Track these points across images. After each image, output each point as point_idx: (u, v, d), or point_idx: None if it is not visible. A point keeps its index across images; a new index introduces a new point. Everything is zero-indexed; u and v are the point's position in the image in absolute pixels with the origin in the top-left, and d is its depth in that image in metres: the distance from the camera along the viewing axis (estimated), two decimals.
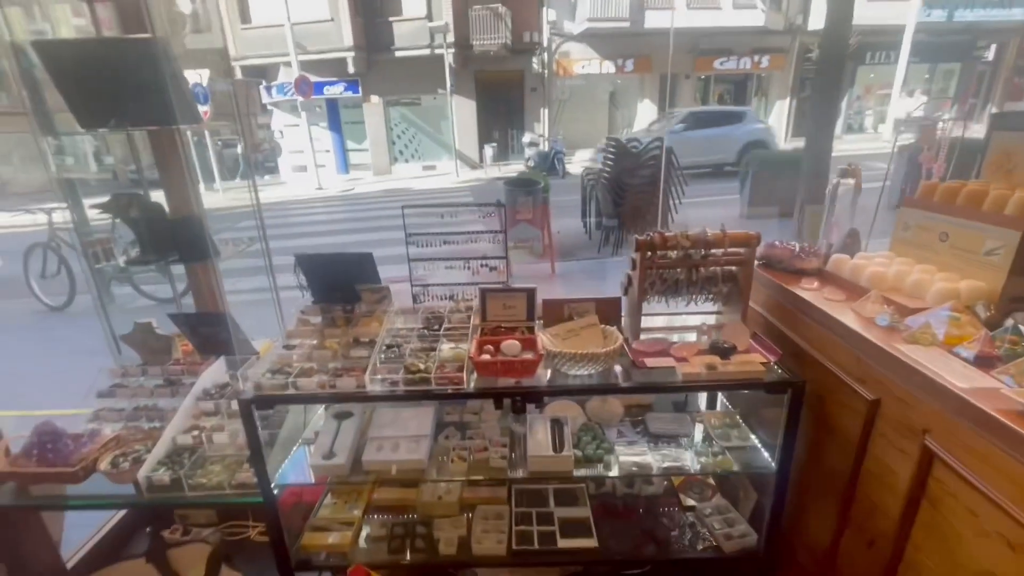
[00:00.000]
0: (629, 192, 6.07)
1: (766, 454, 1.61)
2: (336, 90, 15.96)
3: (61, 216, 5.11)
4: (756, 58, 17.10)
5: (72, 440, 1.73)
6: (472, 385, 1.46)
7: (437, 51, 14.94)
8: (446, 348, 1.57)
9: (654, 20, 15.68)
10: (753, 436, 1.70)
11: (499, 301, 1.72)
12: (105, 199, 2.05)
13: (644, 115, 17.62)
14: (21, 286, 5.37)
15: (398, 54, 15.71)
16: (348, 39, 14.94)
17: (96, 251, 2.03)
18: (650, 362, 1.51)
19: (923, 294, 1.38)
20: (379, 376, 1.46)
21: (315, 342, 1.65)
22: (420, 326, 1.72)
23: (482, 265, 1.81)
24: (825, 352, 1.45)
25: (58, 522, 2.02)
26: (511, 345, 1.53)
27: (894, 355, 1.16)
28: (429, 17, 15.13)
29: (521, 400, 1.45)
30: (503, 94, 16.83)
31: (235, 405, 1.78)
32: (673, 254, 1.62)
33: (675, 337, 1.68)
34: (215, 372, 1.98)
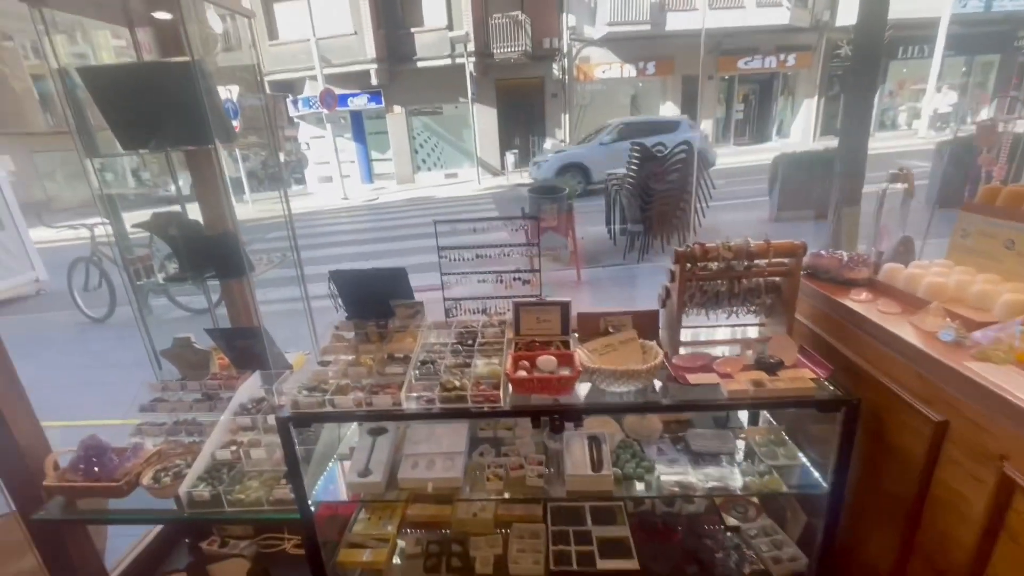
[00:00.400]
0: (655, 197, 5.98)
1: (816, 474, 1.54)
2: (360, 102, 16.27)
3: (102, 230, 5.30)
4: (782, 56, 16.76)
5: (116, 454, 1.77)
6: (508, 403, 1.43)
7: (458, 60, 15.09)
8: (481, 364, 1.55)
9: (676, 22, 15.52)
10: (801, 454, 1.62)
11: (533, 315, 1.70)
12: (143, 213, 2.11)
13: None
14: (65, 298, 5.59)
15: (420, 64, 15.92)
16: (371, 51, 15.22)
17: (137, 268, 2.07)
18: (693, 378, 1.45)
19: (989, 306, 1.29)
20: (415, 394, 1.44)
21: (350, 358, 1.64)
22: (454, 341, 1.71)
23: (515, 278, 1.78)
24: (881, 368, 1.38)
25: (102, 533, 2.07)
26: (547, 361, 1.49)
27: (964, 374, 1.09)
28: (450, 27, 15.30)
29: (559, 419, 1.41)
30: (524, 101, 16.87)
31: (271, 420, 1.80)
32: (714, 266, 1.56)
33: (717, 351, 1.62)
34: (251, 387, 2.00)
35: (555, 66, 16.26)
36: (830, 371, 1.41)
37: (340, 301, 1.78)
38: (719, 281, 1.57)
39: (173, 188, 2.39)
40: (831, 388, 1.38)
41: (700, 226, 6.15)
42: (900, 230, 1.70)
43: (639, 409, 1.41)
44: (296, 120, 16.90)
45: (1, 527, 1.90)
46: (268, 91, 15.84)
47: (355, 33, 15.26)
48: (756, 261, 1.55)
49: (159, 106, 1.77)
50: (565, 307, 1.68)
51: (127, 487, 1.67)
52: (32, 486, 1.72)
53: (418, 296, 1.86)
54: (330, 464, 1.77)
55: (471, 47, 14.85)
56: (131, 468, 1.72)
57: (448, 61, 15.54)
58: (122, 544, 2.16)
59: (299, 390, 1.46)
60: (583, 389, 1.48)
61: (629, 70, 16.57)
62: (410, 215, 11.56)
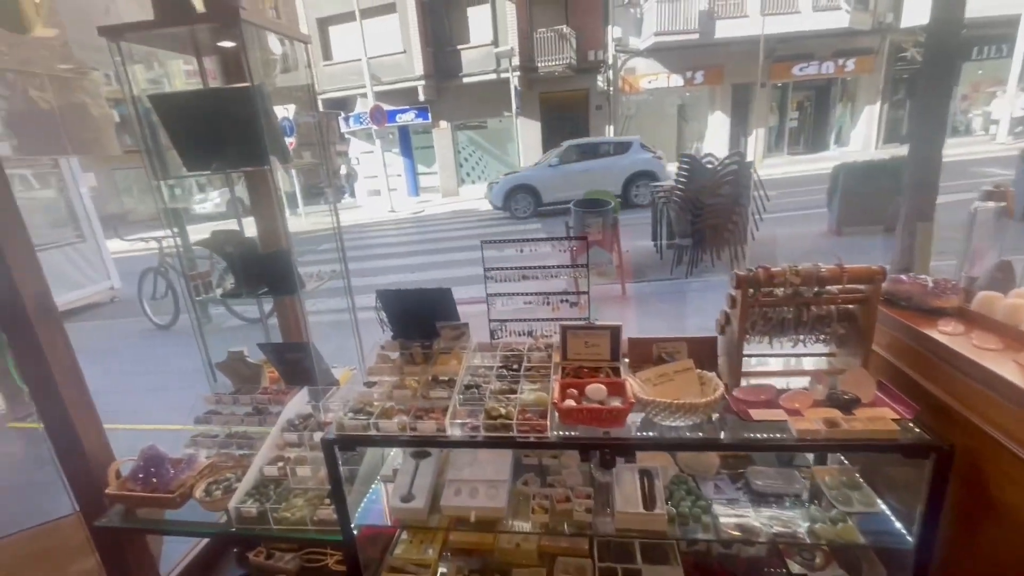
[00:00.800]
0: (705, 210, 5.77)
1: (899, 525, 1.38)
2: (407, 117, 16.76)
3: (170, 242, 5.64)
4: (840, 62, 16.00)
5: (172, 465, 1.82)
6: (555, 433, 1.36)
7: (503, 75, 15.30)
8: (527, 390, 1.50)
9: (726, 30, 15.14)
10: (880, 501, 1.46)
11: (581, 339, 1.63)
12: (210, 226, 2.20)
13: (716, 127, 16.97)
14: (136, 305, 5.97)
15: (465, 80, 16.25)
16: (419, 69, 15.69)
17: (197, 284, 2.16)
18: (756, 414, 1.34)
19: None
20: (459, 420, 1.41)
21: (395, 379, 1.63)
22: (499, 364, 1.66)
23: (562, 300, 1.72)
24: (978, 410, 1.22)
25: (158, 539, 2.14)
26: (597, 390, 1.42)
27: None
28: (495, 43, 15.56)
29: (610, 454, 1.33)
30: (568, 113, 16.86)
31: (317, 437, 1.81)
32: (779, 291, 1.45)
33: (782, 383, 1.50)
34: (299, 402, 2.03)
35: (600, 78, 16.19)
36: (916, 411, 1.27)
37: (386, 320, 1.78)
38: (785, 308, 1.46)
39: (231, 205, 2.49)
40: (917, 431, 1.24)
41: (754, 239, 5.88)
42: (995, 252, 1.53)
43: (697, 447, 1.31)
44: (347, 136, 17.60)
45: (66, 527, 2.00)
46: (322, 109, 16.60)
47: (404, 52, 15.79)
48: (828, 287, 1.43)
49: (221, 129, 1.84)
50: (615, 332, 1.61)
51: (180, 499, 1.71)
52: (95, 491, 1.80)
53: (463, 309, 1.83)
54: (373, 485, 1.76)
55: (516, 61, 15.04)
56: (185, 480, 1.76)
57: (493, 76, 15.79)
58: (175, 549, 2.23)
59: (344, 412, 1.46)
60: (635, 420, 1.40)
61: (676, 80, 16.28)
62: (454, 226, 11.73)
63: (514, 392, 1.50)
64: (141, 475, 1.79)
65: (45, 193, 6.65)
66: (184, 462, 1.84)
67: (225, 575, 2.26)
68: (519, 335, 1.83)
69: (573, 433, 1.37)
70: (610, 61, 15.94)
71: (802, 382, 1.53)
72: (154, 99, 1.84)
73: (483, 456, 1.71)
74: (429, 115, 16.73)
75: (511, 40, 15.21)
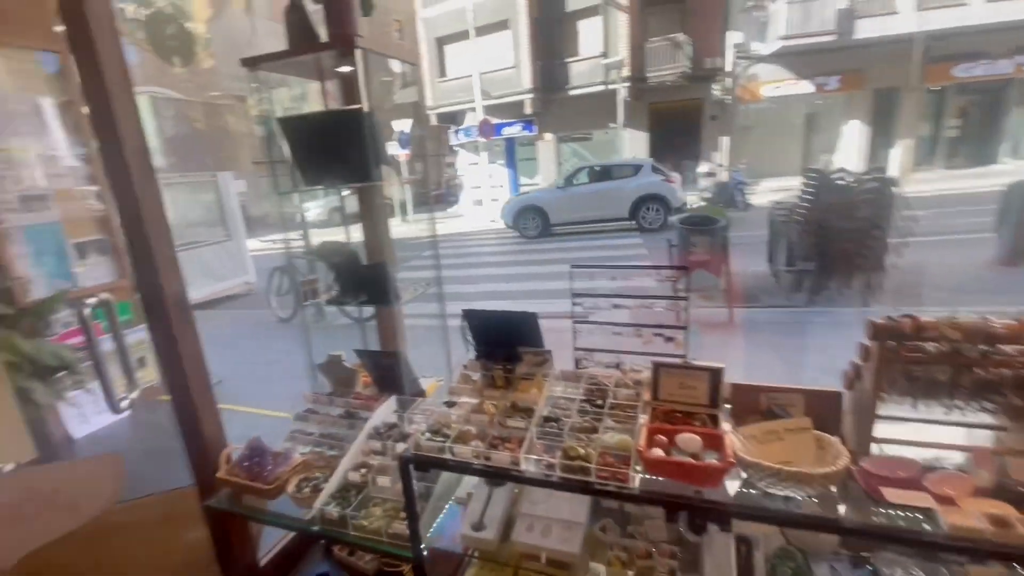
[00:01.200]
0: (834, 233, 5.12)
1: None
2: (514, 130, 17.19)
3: (293, 244, 6.31)
4: (1020, 60, 13.48)
5: (272, 458, 1.96)
6: (639, 483, 1.24)
7: (610, 86, 15.09)
8: (610, 431, 1.38)
9: (868, 29, 13.52)
10: None
11: (675, 379, 1.48)
12: (323, 231, 2.39)
13: (851, 138, 15.19)
14: (265, 298, 6.74)
15: (572, 92, 16.29)
16: (527, 82, 16.03)
17: (306, 289, 2.33)
18: (891, 494, 1.10)
19: None
20: (534, 456, 1.33)
21: (475, 401, 1.60)
22: (582, 397, 1.56)
23: (656, 334, 1.58)
24: None
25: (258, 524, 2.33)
26: (690, 440, 1.27)
27: None
28: (605, 54, 15.41)
29: (701, 519, 1.17)
30: (678, 124, 16.16)
31: (399, 448, 1.84)
32: (931, 347, 1.19)
33: (926, 457, 1.22)
34: (386, 411, 2.09)
35: (715, 87, 15.30)
36: None
37: (471, 340, 1.77)
38: (937, 367, 1.19)
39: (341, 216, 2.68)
40: None
41: (895, 267, 5.09)
42: None
43: (811, 526, 1.10)
44: (456, 148, 18.50)
45: (188, 496, 2.25)
46: (436, 123, 17.63)
47: (514, 67, 16.24)
48: (999, 346, 1.14)
49: (333, 148, 1.97)
50: (716, 374, 1.43)
51: (275, 491, 1.84)
52: (209, 471, 1.99)
53: (547, 324, 1.76)
54: (448, 505, 1.75)
55: (625, 72, 14.75)
56: (281, 474, 1.89)
57: (600, 88, 15.64)
58: (272, 534, 2.42)
59: (423, 431, 1.45)
60: (734, 481, 1.22)
61: (805, 86, 14.87)
62: (551, 237, 11.75)
63: (595, 431, 1.39)
64: (246, 463, 1.95)
65: (205, 198, 7.79)
66: (282, 456, 1.98)
67: (312, 565, 2.40)
68: (605, 366, 1.71)
69: (659, 487, 1.23)
70: (728, 68, 15.01)
71: (956, 459, 1.24)
72: (280, 121, 2.03)
73: (560, 492, 1.61)
74: (535, 127, 17.01)
75: (621, 51, 14.97)
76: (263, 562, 2.24)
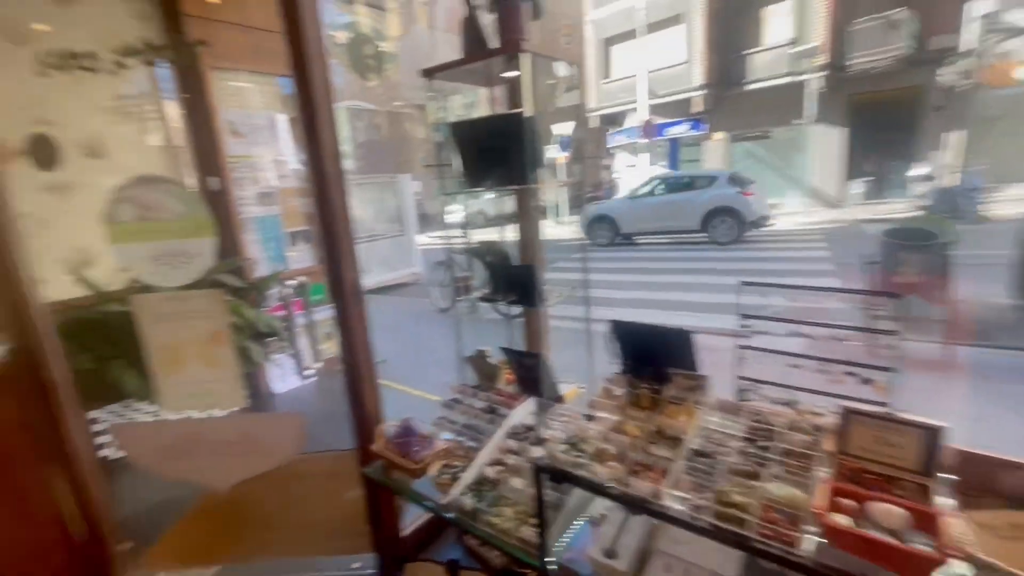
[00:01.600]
0: None
1: None
2: (679, 130, 16.26)
3: (454, 242, 6.86)
4: None
5: (419, 441, 2.11)
6: (812, 554, 1.01)
7: (799, 78, 13.30)
8: (777, 481, 1.16)
9: None
10: None
11: (872, 431, 1.19)
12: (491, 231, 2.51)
13: None
14: (428, 288, 7.43)
15: (750, 87, 14.78)
16: (698, 79, 15.00)
17: (460, 286, 2.46)
18: None
19: None
20: (680, 493, 1.18)
21: (616, 419, 1.50)
22: (743, 435, 1.35)
23: (848, 372, 1.29)
24: None
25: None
26: (889, 513, 1.00)
27: None
28: (794, 42, 13.64)
29: None
30: (886, 118, 13.56)
31: (535, 452, 1.82)
32: None
33: None
34: (524, 411, 2.10)
35: (943, 70, 12.46)
36: None
37: (617, 353, 1.66)
38: None
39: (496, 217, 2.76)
40: None
41: None
42: None
43: None
44: (613, 151, 18.17)
45: (349, 458, 2.55)
46: (598, 125, 17.55)
47: (685, 62, 15.34)
48: None
49: (497, 151, 2.03)
50: (933, 434, 1.11)
51: (419, 472, 1.97)
52: (367, 440, 2.22)
53: (707, 342, 1.56)
54: (580, 520, 1.67)
55: (820, 60, 12.87)
56: (425, 457, 2.02)
57: (785, 79, 13.90)
58: (414, 508, 2.61)
59: (559, 441, 1.40)
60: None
61: None
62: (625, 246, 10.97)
63: (757, 477, 1.18)
64: (398, 440, 2.13)
65: (387, 196, 8.89)
66: (428, 439, 2.11)
67: (446, 546, 2.53)
68: (773, 401, 1.46)
69: (838, 560, 0.99)
70: (966, 47, 12.09)
71: None
72: (450, 126, 2.16)
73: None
74: (704, 126, 15.85)
75: (816, 37, 13.09)
76: (404, 532, 2.43)
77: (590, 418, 1.55)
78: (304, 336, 4.28)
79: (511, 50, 1.84)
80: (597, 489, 1.29)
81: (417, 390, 4.32)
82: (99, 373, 2.96)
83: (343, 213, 1.94)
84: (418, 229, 9.27)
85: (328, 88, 1.83)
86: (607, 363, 1.81)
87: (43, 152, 3.20)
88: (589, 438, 1.43)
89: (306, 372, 4.23)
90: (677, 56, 15.45)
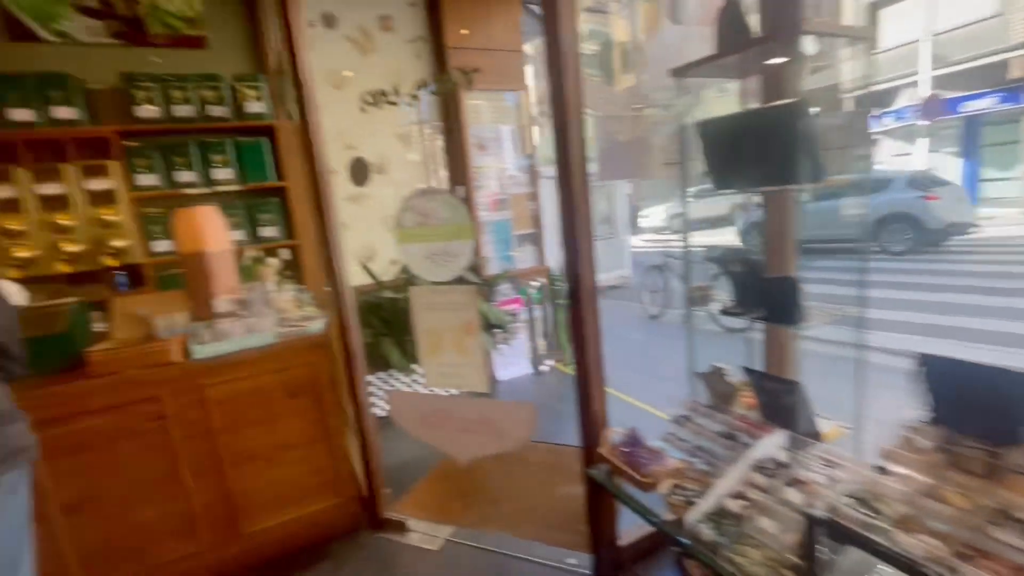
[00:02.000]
0: None
1: None
2: (981, 104, 12.38)
3: (673, 246, 6.49)
4: None
5: (646, 453, 2.04)
6: None
7: None
8: None
9: None
10: None
11: None
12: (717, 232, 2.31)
13: None
14: (637, 292, 7.24)
15: None
16: (1018, 35, 11.20)
17: (695, 296, 2.29)
18: None
19: None
20: None
21: (927, 481, 1.18)
22: None
23: None
24: None
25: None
26: None
27: None
28: None
29: None
30: None
31: (790, 495, 1.58)
32: None
33: None
34: (772, 444, 1.84)
35: None
36: None
37: (929, 396, 1.31)
38: None
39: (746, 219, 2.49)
40: None
41: None
42: None
43: None
44: (875, 138, 14.87)
45: (571, 454, 2.62)
46: (853, 108, 14.64)
47: (994, 16, 11.63)
48: None
49: (758, 148, 1.81)
50: None
51: (648, 486, 1.89)
52: (592, 442, 2.23)
53: None
54: None
55: None
56: (655, 472, 1.93)
57: None
58: (629, 516, 2.54)
59: (844, 495, 1.17)
60: None
61: None
62: None
63: None
64: (625, 449, 2.10)
65: (601, 199, 8.99)
66: (656, 454, 2.02)
67: (663, 566, 2.41)
68: None
69: None
70: None
71: None
72: (699, 124, 2.01)
73: None
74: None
75: None
76: (621, 541, 2.39)
77: (882, 471, 1.26)
78: (531, 330, 4.62)
79: (789, 33, 1.61)
80: (909, 568, 1.02)
81: (629, 397, 4.24)
82: (372, 347, 3.69)
83: (586, 218, 1.99)
84: (630, 231, 9.15)
85: (579, 98, 1.88)
86: (885, 402, 1.44)
87: (359, 171, 4.18)
88: (886, 497, 1.16)
89: (539, 367, 4.56)
90: (982, 9, 11.78)
